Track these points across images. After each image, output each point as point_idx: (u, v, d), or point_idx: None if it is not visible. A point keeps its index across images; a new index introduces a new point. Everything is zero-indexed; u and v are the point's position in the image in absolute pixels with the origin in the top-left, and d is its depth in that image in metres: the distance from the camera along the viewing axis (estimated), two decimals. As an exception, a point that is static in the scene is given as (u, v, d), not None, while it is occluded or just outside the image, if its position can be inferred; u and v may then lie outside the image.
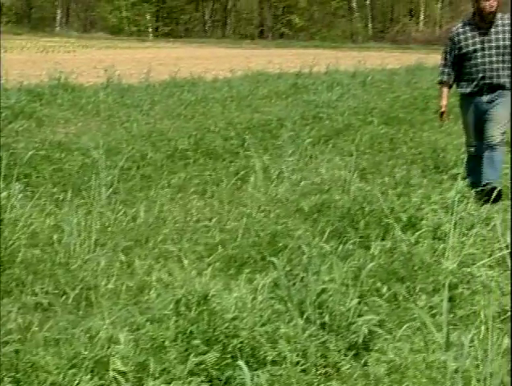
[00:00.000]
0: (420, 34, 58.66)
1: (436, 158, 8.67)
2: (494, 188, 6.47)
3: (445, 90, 7.24)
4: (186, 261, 4.65)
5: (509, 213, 6.25)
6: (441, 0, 64.69)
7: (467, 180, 6.72)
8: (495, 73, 6.88)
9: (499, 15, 6.88)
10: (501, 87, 6.93)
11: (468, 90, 7.01)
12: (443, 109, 7.28)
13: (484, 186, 6.62)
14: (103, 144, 7.80)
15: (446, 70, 7.16)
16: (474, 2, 6.85)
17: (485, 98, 6.94)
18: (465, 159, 7.24)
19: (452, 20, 54.34)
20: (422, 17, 63.35)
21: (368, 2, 64.07)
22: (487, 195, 6.34)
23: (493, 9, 6.74)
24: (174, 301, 3.66)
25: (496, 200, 6.25)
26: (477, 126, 7.04)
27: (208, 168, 8.09)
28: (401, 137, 10.22)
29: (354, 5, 64.22)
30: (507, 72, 6.90)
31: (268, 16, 62.99)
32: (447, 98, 7.26)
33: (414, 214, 5.67)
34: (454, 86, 7.26)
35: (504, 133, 7.00)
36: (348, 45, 52.17)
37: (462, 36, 6.95)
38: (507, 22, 6.86)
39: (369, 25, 64.10)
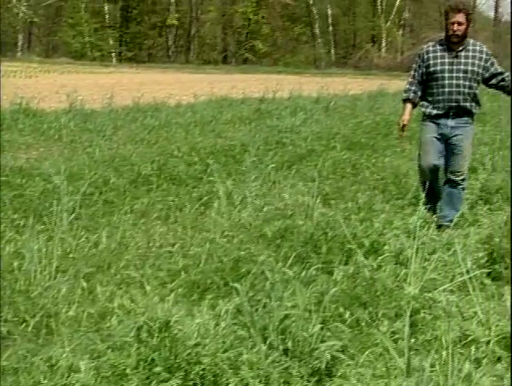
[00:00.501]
0: (382, 60, 59.29)
1: (398, 183, 8.73)
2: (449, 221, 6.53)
3: (409, 105, 7.01)
4: (148, 287, 4.62)
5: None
6: (402, 27, 65.59)
7: (427, 205, 6.55)
8: (462, 97, 6.74)
9: (471, 41, 6.81)
10: (467, 112, 6.83)
11: (434, 112, 6.82)
12: (404, 122, 7.00)
13: (440, 227, 6.49)
14: (65, 169, 7.74)
15: (412, 88, 6.99)
16: (444, 25, 6.80)
17: (451, 122, 6.78)
18: (419, 180, 7.01)
19: (413, 47, 55.07)
20: (384, 43, 64.09)
21: (330, 29, 64.66)
22: (438, 227, 6.42)
23: (458, 33, 6.61)
24: (135, 328, 3.62)
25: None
26: (439, 149, 6.82)
27: (172, 193, 8.05)
28: (363, 162, 10.29)
29: (317, 31, 64.75)
30: (473, 98, 6.81)
31: (231, 42, 63.31)
32: (410, 114, 7.02)
33: (376, 239, 5.71)
34: (418, 107, 7.10)
35: (467, 167, 6.97)
36: (311, 71, 52.54)
37: (432, 54, 6.82)
38: (478, 48, 6.78)
39: (332, 51, 64.68)
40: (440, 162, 6.84)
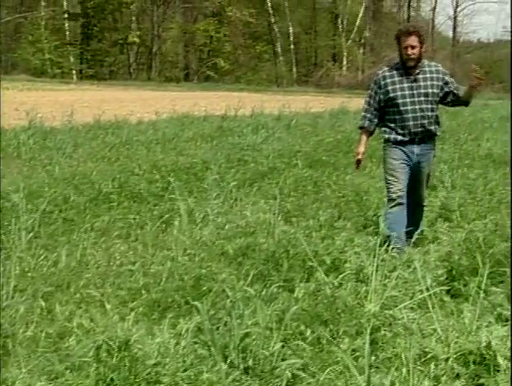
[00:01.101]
0: (343, 78, 59.78)
1: (360, 201, 8.78)
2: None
3: (364, 137, 6.85)
4: (108, 306, 4.57)
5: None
6: (363, 46, 66.25)
7: (388, 231, 5.97)
8: (427, 121, 6.56)
9: (426, 62, 6.62)
10: (432, 135, 6.70)
11: (400, 138, 6.59)
12: (359, 157, 6.85)
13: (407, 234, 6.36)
14: (24, 187, 7.67)
15: (368, 115, 6.78)
16: (398, 48, 6.57)
17: (417, 149, 6.60)
18: (383, 215, 6.21)
19: (373, 65, 55.67)
20: (345, 62, 64.64)
21: (292, 47, 65.06)
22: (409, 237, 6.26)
23: (413, 56, 6.43)
24: (95, 348, 3.59)
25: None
26: (406, 174, 6.63)
27: (133, 211, 8.01)
28: (325, 180, 10.31)
29: (279, 49, 65.12)
30: (436, 120, 6.67)
31: (193, 59, 63.39)
32: (365, 145, 6.85)
33: (337, 257, 5.73)
34: (376, 131, 6.90)
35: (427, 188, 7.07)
36: (273, 88, 52.80)
37: (389, 80, 6.59)
38: (434, 69, 6.61)
39: (294, 69, 65.03)
40: (405, 184, 6.68)
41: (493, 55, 65.05)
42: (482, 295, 4.57)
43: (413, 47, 6.44)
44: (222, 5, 60.92)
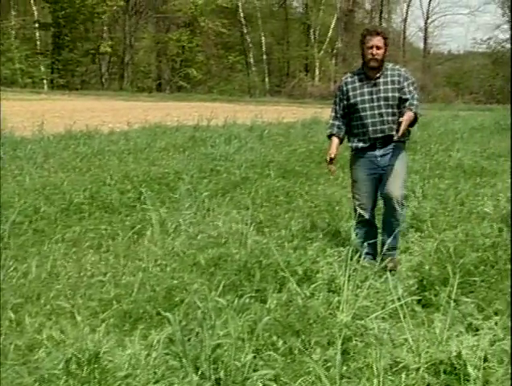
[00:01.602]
0: (316, 89, 59.99)
1: (332, 210, 8.80)
2: (393, 258, 6.10)
3: (335, 139, 6.58)
4: (79, 318, 4.54)
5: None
6: (335, 57, 66.60)
7: (359, 245, 5.96)
8: (387, 126, 6.30)
9: (389, 66, 6.39)
10: (395, 140, 6.33)
11: (360, 145, 6.42)
12: (331, 155, 6.53)
13: (383, 255, 5.72)
14: (-6, 198, 7.59)
15: (336, 123, 6.58)
16: (362, 49, 6.37)
17: (379, 152, 6.37)
18: (354, 225, 6.33)
19: (345, 76, 55.91)
20: (317, 72, 64.92)
21: (264, 57, 65.24)
22: (385, 267, 5.67)
23: (377, 57, 6.21)
24: (64, 360, 3.55)
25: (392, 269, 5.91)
26: (371, 185, 6.44)
27: (104, 222, 7.97)
28: (297, 190, 10.34)
29: (251, 59, 65.27)
30: (397, 125, 6.18)
31: (166, 69, 63.28)
32: (336, 148, 6.57)
33: (309, 267, 5.75)
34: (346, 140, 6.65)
35: (403, 189, 6.43)
36: (245, 99, 52.82)
37: (350, 86, 6.42)
38: (396, 72, 6.34)
39: (266, 79, 65.19)
40: (374, 199, 6.50)
41: (463, 67, 65.74)
42: (453, 305, 4.60)
43: (378, 48, 6.24)
44: (195, 15, 60.93)
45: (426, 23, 68.06)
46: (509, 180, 10.19)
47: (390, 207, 6.32)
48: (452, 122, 24.84)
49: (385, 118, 6.32)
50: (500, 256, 5.93)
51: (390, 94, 6.30)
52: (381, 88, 6.32)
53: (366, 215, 6.40)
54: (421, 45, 69.61)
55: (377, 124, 6.33)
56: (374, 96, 6.33)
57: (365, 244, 6.15)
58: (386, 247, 5.75)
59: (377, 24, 64.61)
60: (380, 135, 6.35)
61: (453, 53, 74.56)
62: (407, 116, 6.00)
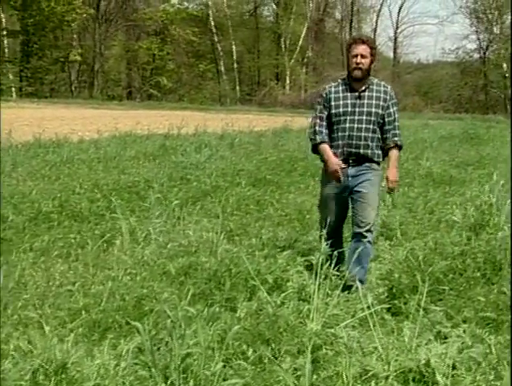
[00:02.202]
0: (286, 97, 60.10)
1: (302, 219, 8.83)
2: (358, 280, 5.67)
3: (327, 146, 6.12)
4: (47, 328, 4.50)
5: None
6: (305, 66, 66.85)
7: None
8: (363, 142, 6.02)
9: (375, 80, 6.18)
10: (369, 159, 6.09)
11: None
12: (340, 164, 6.02)
13: (349, 288, 5.62)
14: (-39, 206, 7.51)
15: (323, 130, 6.15)
16: (347, 58, 6.14)
17: (351, 171, 6.04)
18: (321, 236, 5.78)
19: (316, 85, 56.15)
20: (288, 81, 65.07)
21: (235, 66, 65.29)
22: (348, 288, 5.60)
23: (362, 66, 5.95)
24: (31, 371, 3.51)
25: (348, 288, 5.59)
26: (339, 205, 6.14)
27: (73, 230, 7.92)
28: (268, 198, 10.35)
29: (222, 68, 65.29)
30: (376, 144, 6.10)
31: (136, 77, 63.06)
32: (333, 154, 6.07)
33: (280, 275, 5.76)
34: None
35: (374, 217, 6.13)
36: (216, 107, 52.76)
37: (334, 95, 6.12)
38: (383, 89, 6.11)
39: (237, 88, 65.23)
40: (340, 219, 6.22)
41: (433, 76, 66.32)
42: (422, 313, 4.62)
43: (363, 56, 5.99)
44: (165, 23, 60.86)
45: (395, 33, 68.63)
46: (478, 187, 10.28)
47: (357, 234, 6.03)
48: (421, 131, 25.06)
49: (363, 134, 6.04)
50: (468, 265, 5.98)
51: (373, 109, 6.06)
52: (366, 101, 6.07)
53: (333, 235, 6.04)
54: (391, 54, 70.11)
55: (354, 138, 6.03)
56: (357, 109, 6.06)
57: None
58: (349, 275, 5.60)
59: (347, 34, 65.02)
60: (354, 150, 6.04)
61: (422, 62, 75.17)
62: (395, 157, 6.16)
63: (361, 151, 6.05)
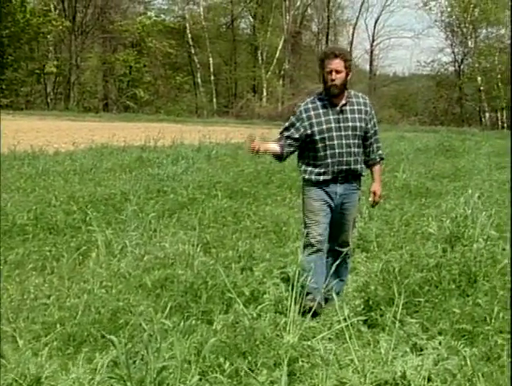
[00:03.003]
0: (263, 109, 60.21)
1: (279, 231, 8.83)
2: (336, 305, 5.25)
3: (276, 146, 5.96)
4: (21, 341, 4.45)
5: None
6: (282, 78, 67.04)
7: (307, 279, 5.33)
8: (352, 158, 5.82)
9: (353, 92, 5.91)
10: (357, 176, 5.94)
11: (322, 178, 5.83)
12: (256, 146, 5.85)
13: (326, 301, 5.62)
14: None
15: (282, 142, 5.92)
16: (322, 74, 5.80)
17: (340, 189, 5.84)
18: (305, 256, 5.66)
19: (293, 97, 56.32)
20: (265, 93, 65.20)
21: (212, 78, 65.34)
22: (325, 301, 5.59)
23: (337, 82, 5.65)
24: (5, 386, 3.48)
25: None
26: (328, 217, 5.87)
27: (48, 243, 7.86)
28: (244, 210, 10.34)
29: (199, 80, 65.34)
30: (361, 158, 5.93)
31: (112, 89, 62.90)
32: (271, 147, 5.96)
33: (256, 288, 5.75)
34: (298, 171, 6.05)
35: (352, 235, 6.15)
36: (193, 119, 52.71)
37: (313, 112, 5.81)
38: (362, 101, 5.90)
39: (214, 100, 65.26)
40: (328, 232, 5.91)
41: (408, 89, 66.75)
42: (398, 325, 4.64)
43: (338, 72, 5.68)
44: (142, 35, 60.82)
45: (372, 46, 68.91)
46: (454, 200, 10.35)
47: (339, 252, 5.88)
48: (397, 143, 25.21)
49: (352, 149, 5.83)
50: (444, 277, 6.01)
51: (357, 124, 5.83)
52: (349, 116, 5.82)
53: (322, 247, 5.79)
54: (367, 67, 70.34)
55: (344, 155, 5.80)
56: (342, 125, 5.80)
57: (315, 279, 5.49)
58: (330, 290, 5.55)
59: (324, 46, 65.28)
60: (344, 167, 5.82)
61: (398, 75, 75.54)
62: (379, 171, 6.15)
63: (352, 167, 5.85)
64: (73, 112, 53.57)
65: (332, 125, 5.78)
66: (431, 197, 12.20)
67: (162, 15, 66.62)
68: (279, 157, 6.02)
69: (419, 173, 15.69)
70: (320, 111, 5.82)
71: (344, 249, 5.91)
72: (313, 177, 5.88)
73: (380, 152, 6.14)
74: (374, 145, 6.04)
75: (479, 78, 57.31)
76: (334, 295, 5.28)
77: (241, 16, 69.47)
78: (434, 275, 6.06)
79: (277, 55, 65.36)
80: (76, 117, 46.48)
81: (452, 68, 61.05)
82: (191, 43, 64.47)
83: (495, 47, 56.49)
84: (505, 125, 54.58)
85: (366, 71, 69.90)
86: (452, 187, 13.47)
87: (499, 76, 55.56)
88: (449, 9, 60.75)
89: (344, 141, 5.79)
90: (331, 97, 5.80)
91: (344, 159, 5.80)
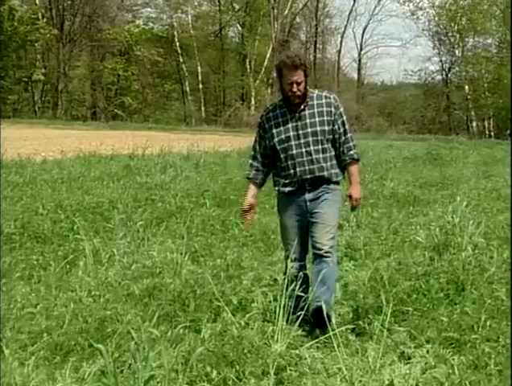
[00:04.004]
0: (252, 118, 60.13)
1: (267, 240, 8.83)
2: (324, 312, 5.07)
3: (252, 186, 5.81)
4: (7, 351, 4.42)
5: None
6: (271, 86, 67.13)
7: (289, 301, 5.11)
8: (316, 165, 5.51)
9: (315, 94, 5.60)
10: (326, 181, 5.58)
11: (287, 189, 5.61)
12: (245, 207, 5.75)
13: (314, 311, 5.23)
14: None
15: (254, 164, 5.77)
16: (280, 82, 5.55)
17: (308, 196, 5.55)
18: (283, 277, 5.47)
19: (281, 106, 56.33)
20: (253, 102, 65.28)
21: (201, 86, 65.40)
22: (316, 322, 5.20)
23: (298, 93, 5.42)
24: (-9, 396, 3.45)
25: (323, 325, 5.05)
26: (302, 233, 5.61)
27: (36, 252, 7.83)
28: (233, 219, 10.33)
29: (187, 88, 65.37)
30: (330, 163, 5.59)
31: (101, 98, 62.81)
32: (253, 196, 5.80)
33: (244, 296, 5.75)
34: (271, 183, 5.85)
35: (333, 237, 5.58)
36: (181, 128, 52.66)
37: (273, 122, 5.59)
38: (325, 101, 5.56)
39: (202, 108, 65.32)
40: (305, 248, 5.69)
41: (396, 97, 66.94)
42: (386, 333, 4.64)
43: (298, 84, 5.42)
44: (130, 44, 60.78)
45: (359, 55, 69.10)
46: (441, 208, 10.39)
47: (318, 255, 5.48)
48: (385, 152, 25.29)
49: (314, 156, 5.52)
50: (432, 285, 6.02)
51: (318, 128, 5.52)
52: (308, 121, 5.53)
53: (296, 267, 5.50)
54: (355, 76, 70.59)
55: (306, 163, 5.53)
56: (301, 132, 5.53)
57: (294, 296, 5.20)
58: (316, 300, 5.26)
59: (312, 55, 65.48)
60: (309, 176, 5.54)
61: (386, 84, 75.82)
62: (355, 172, 5.72)
63: (317, 175, 5.55)
64: (61, 120, 53.48)
65: (291, 133, 5.54)
66: (418, 205, 12.23)
67: (150, 24, 66.64)
68: (262, 184, 5.89)
69: (407, 181, 15.73)
70: (280, 120, 5.59)
71: (320, 251, 5.44)
72: (281, 188, 5.70)
73: (351, 152, 5.69)
74: (344, 146, 5.65)
75: (466, 87, 57.62)
76: (323, 304, 5.10)
77: (230, 25, 69.57)
78: (422, 283, 6.08)
79: (265, 63, 65.43)
80: (64, 126, 46.34)
81: (439, 77, 61.32)
82: (179, 51, 64.52)
83: (482, 56, 56.81)
84: (492, 133, 54.90)
85: (354, 80, 70.19)
86: (439, 196, 13.50)
87: (486, 85, 55.95)
88: (437, 18, 61.02)
89: (303, 150, 5.52)
90: (290, 105, 5.55)
91: (307, 168, 5.53)
